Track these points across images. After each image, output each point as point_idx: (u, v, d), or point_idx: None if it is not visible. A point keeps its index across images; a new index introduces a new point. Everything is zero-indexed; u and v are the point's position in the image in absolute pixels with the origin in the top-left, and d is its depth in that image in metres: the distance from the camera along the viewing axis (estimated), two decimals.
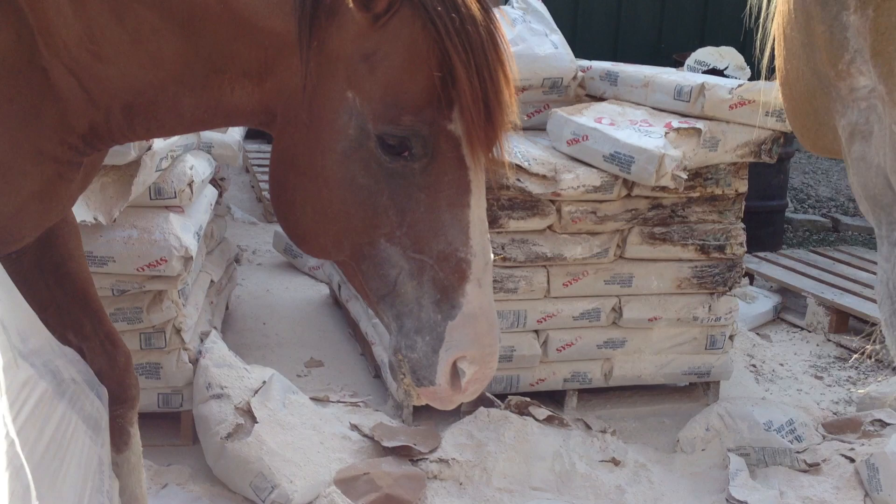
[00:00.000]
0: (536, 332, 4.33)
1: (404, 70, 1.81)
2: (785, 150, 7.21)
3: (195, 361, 3.95)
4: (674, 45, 9.61)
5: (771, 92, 3.77)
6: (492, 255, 1.93)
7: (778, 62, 1.61)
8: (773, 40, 1.66)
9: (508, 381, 4.35)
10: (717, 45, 5.78)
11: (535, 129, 4.67)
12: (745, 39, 2.17)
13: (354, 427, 4.01)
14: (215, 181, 4.78)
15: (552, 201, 4.16)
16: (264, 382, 3.94)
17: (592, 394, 4.58)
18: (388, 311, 1.93)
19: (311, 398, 4.18)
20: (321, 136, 1.89)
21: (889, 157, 1.26)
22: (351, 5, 1.79)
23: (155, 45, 1.91)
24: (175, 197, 3.79)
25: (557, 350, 4.33)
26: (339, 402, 4.35)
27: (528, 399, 4.21)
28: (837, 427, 4.37)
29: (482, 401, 4.17)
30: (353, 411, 4.23)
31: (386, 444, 3.87)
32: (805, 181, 10.40)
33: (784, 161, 7.54)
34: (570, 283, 4.26)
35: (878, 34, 1.27)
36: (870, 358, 5.31)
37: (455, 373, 1.87)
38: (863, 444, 4.15)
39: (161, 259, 3.63)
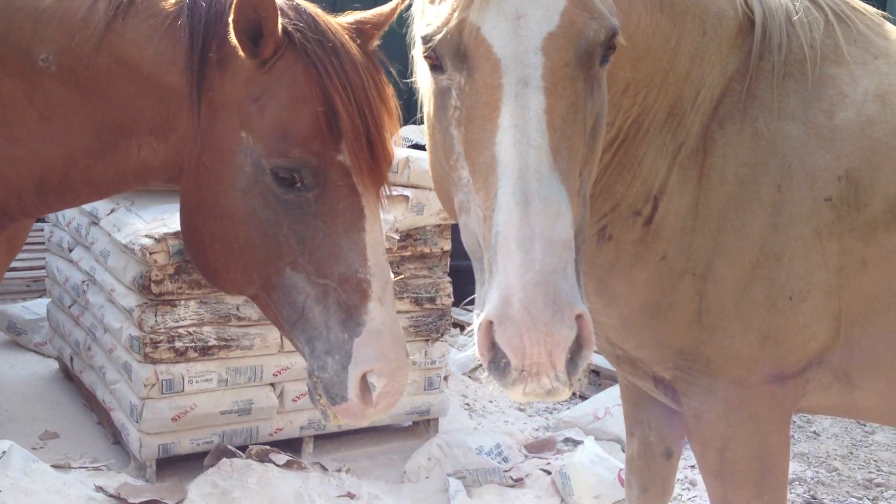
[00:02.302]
0: (273, 384, 4.69)
1: (289, 107, 1.97)
2: None
3: None
4: None
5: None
6: (391, 275, 2.07)
7: (429, 157, 2.18)
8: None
9: (248, 432, 4.65)
10: (418, 123, 6.49)
11: None
12: None
13: (99, 489, 4.14)
14: None
15: None
16: (3, 453, 3.98)
17: (327, 439, 4.98)
18: (300, 337, 2.05)
19: (53, 466, 4.25)
20: (222, 177, 2.02)
21: (476, 226, 1.85)
22: (241, 53, 1.96)
23: (64, 119, 2.03)
24: None
25: (293, 400, 4.71)
26: (81, 467, 4.44)
27: (268, 447, 4.55)
28: (536, 447, 5.09)
29: (224, 452, 4.45)
30: (97, 475, 4.34)
31: (133, 501, 4.04)
32: None
33: None
34: None
35: (467, 143, 1.87)
36: None
37: (365, 387, 1.98)
38: (557, 459, 4.89)
39: None
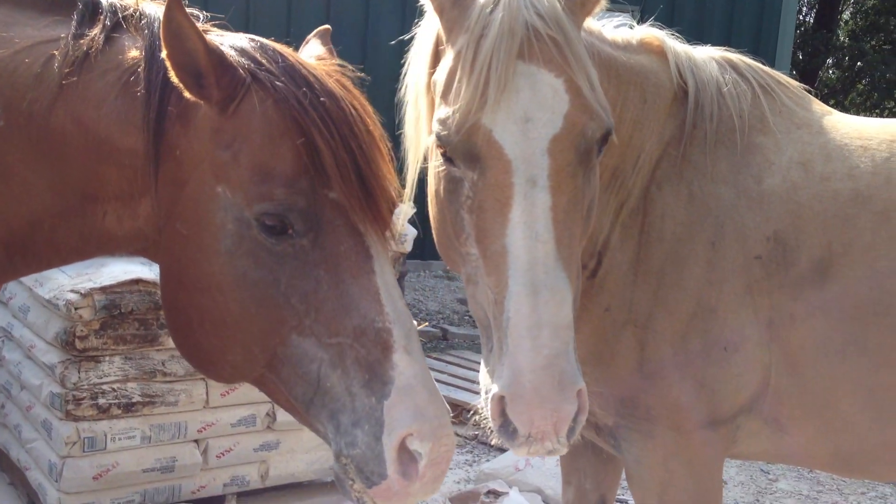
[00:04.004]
0: (197, 441, 4.62)
1: (266, 147, 1.76)
2: (400, 270, 8.21)
3: None
4: None
5: (396, 219, 4.64)
6: (414, 322, 1.80)
7: (434, 225, 2.30)
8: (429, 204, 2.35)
9: (171, 490, 4.56)
10: None
11: None
12: None
13: None
14: None
15: None
16: None
17: (251, 496, 4.91)
18: (320, 415, 1.76)
19: None
20: (202, 242, 1.79)
21: (485, 302, 2.03)
22: (187, 95, 1.77)
23: (23, 178, 1.87)
24: None
25: (217, 457, 4.65)
26: None
27: None
28: (461, 499, 5.14)
29: None
30: None
31: None
32: (416, 297, 11.62)
33: (400, 280, 8.55)
34: (228, 393, 4.63)
35: (478, 230, 2.03)
36: (482, 443, 6.24)
37: (407, 459, 1.68)
38: None
39: None
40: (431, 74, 2.26)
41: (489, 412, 1.96)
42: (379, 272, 1.78)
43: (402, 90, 2.50)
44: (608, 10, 2.58)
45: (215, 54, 1.80)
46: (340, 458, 1.73)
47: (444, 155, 2.10)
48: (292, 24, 10.43)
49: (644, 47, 2.65)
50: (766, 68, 2.77)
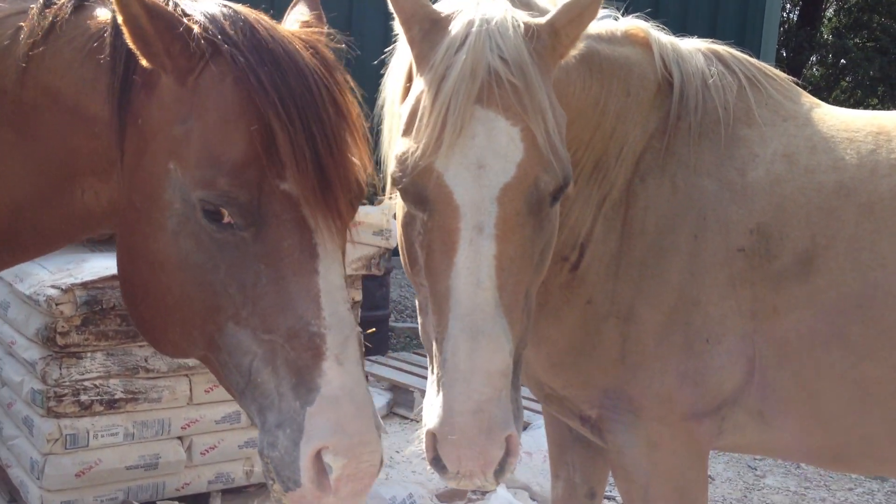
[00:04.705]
0: (181, 438, 4.59)
1: (218, 128, 1.68)
2: (386, 266, 8.19)
3: None
4: None
5: (376, 215, 4.66)
6: (356, 328, 1.74)
7: (399, 245, 2.28)
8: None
9: (154, 488, 4.53)
10: None
11: None
12: None
13: None
14: None
15: None
16: None
17: (235, 493, 4.88)
18: (251, 408, 1.72)
19: None
20: (151, 216, 1.74)
21: (431, 334, 2.06)
22: (146, 64, 1.71)
23: (2, 163, 1.83)
24: None
25: (201, 454, 4.62)
26: None
27: (175, 503, 4.43)
28: (447, 496, 5.13)
29: None
30: None
31: None
32: (402, 294, 11.60)
33: (385, 276, 8.52)
34: (212, 389, 4.60)
35: (427, 268, 2.04)
36: None
37: (322, 469, 1.63)
38: None
39: None
40: (402, 100, 2.26)
41: (424, 448, 2.01)
42: (323, 273, 1.70)
43: (381, 98, 2.49)
44: None
45: (160, 20, 1.70)
46: (263, 457, 1.70)
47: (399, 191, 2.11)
48: None
49: (629, 39, 2.64)
50: (754, 60, 2.76)
